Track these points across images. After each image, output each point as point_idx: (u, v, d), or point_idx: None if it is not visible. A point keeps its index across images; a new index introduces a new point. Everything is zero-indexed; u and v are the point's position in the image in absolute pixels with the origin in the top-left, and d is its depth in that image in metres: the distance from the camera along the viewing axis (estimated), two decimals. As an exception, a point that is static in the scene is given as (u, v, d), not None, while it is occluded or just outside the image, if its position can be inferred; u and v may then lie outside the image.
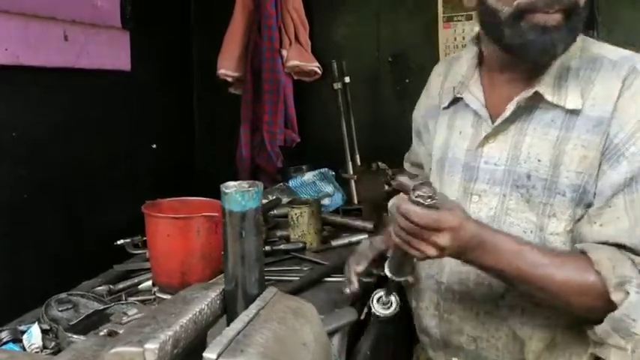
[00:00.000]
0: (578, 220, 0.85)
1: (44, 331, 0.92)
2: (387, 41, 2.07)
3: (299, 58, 1.98)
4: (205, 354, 0.48)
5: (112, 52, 1.76)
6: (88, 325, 0.93)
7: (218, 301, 0.61)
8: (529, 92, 0.87)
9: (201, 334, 0.58)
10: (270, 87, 1.99)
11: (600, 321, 0.80)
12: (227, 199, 0.59)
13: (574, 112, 0.85)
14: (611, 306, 0.78)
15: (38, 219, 1.45)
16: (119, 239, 1.51)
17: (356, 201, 1.85)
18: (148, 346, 0.49)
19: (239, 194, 0.58)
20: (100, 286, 1.18)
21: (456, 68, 1.02)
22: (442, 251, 0.80)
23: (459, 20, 2.01)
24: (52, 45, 1.51)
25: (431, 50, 2.02)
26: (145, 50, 1.87)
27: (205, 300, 0.59)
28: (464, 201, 0.94)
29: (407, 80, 2.04)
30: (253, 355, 0.49)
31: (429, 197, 0.77)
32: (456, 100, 1.00)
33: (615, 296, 0.77)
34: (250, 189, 0.59)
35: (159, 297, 1.11)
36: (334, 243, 1.50)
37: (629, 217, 0.81)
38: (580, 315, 0.84)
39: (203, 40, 2.24)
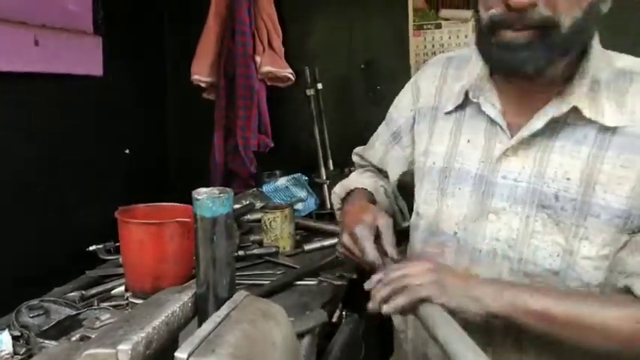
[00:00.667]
0: (622, 248, 0.79)
1: (15, 338, 0.92)
2: (359, 48, 2.12)
3: (272, 64, 2.00)
4: (177, 354, 0.50)
5: (84, 57, 1.75)
6: (60, 330, 0.93)
7: (190, 304, 0.63)
8: (566, 106, 0.80)
9: (173, 336, 0.60)
10: (244, 92, 2.00)
11: None
12: (198, 205, 0.61)
13: (609, 129, 0.79)
14: None
15: (7, 224, 1.43)
16: (91, 245, 1.51)
17: (329, 205, 1.88)
18: (121, 347, 0.50)
19: (210, 200, 0.60)
20: (72, 292, 1.17)
21: (463, 70, 0.93)
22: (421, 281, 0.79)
23: (428, 28, 2.08)
24: (23, 50, 1.50)
25: (402, 57, 2.08)
26: (118, 55, 1.87)
27: (178, 302, 0.61)
28: (480, 219, 0.87)
29: (378, 87, 2.09)
30: (224, 356, 0.51)
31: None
32: (463, 105, 0.92)
33: None
34: (221, 195, 0.61)
35: (132, 302, 1.11)
36: (307, 247, 1.52)
37: None
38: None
39: (176, 45, 2.25)
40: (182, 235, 1.18)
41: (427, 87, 1.00)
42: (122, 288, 1.19)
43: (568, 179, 0.81)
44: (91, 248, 1.43)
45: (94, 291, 1.17)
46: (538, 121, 0.82)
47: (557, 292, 0.80)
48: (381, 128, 1.13)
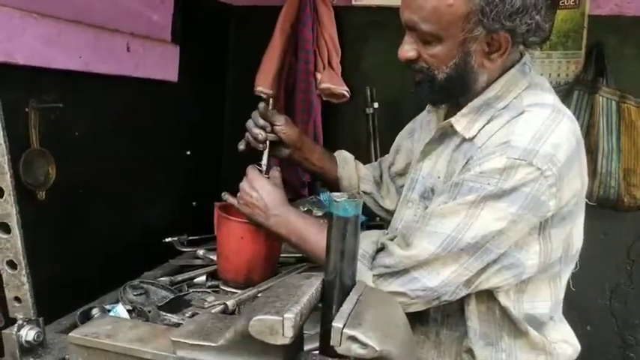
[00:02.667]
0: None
1: (127, 311, 1.05)
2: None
3: (331, 81, 2.14)
4: (334, 324, 0.62)
5: (163, 64, 1.90)
6: (173, 307, 1.06)
7: (319, 289, 0.75)
8: (446, 122, 1.06)
9: (309, 314, 0.72)
10: (303, 106, 2.14)
11: None
12: (336, 207, 0.73)
13: (465, 140, 1.03)
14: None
15: (92, 212, 1.57)
16: (163, 237, 1.64)
17: (378, 218, 1.99)
18: (287, 315, 0.63)
19: (347, 203, 0.72)
20: (161, 277, 1.30)
21: None
22: (243, 194, 1.17)
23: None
24: (117, 55, 1.65)
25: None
26: (188, 64, 2.02)
27: (313, 286, 0.73)
28: (402, 206, 1.16)
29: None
30: (367, 329, 0.63)
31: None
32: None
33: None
34: (355, 199, 0.73)
35: (222, 289, 1.23)
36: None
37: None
38: None
39: (239, 58, 2.39)
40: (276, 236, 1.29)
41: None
42: (204, 277, 1.31)
43: (438, 177, 1.08)
44: (167, 239, 1.56)
45: (180, 277, 1.30)
46: (435, 133, 1.10)
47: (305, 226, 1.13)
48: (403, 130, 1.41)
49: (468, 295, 1.00)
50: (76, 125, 1.54)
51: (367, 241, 1.02)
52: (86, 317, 0.98)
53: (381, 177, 1.42)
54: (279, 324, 0.62)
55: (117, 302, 1.08)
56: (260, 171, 1.23)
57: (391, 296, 0.76)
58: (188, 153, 2.14)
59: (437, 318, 1.06)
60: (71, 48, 1.47)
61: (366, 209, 1.52)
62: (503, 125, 0.98)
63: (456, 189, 0.96)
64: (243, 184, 1.19)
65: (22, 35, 1.32)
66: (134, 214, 1.75)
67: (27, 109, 1.38)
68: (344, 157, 1.43)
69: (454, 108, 1.07)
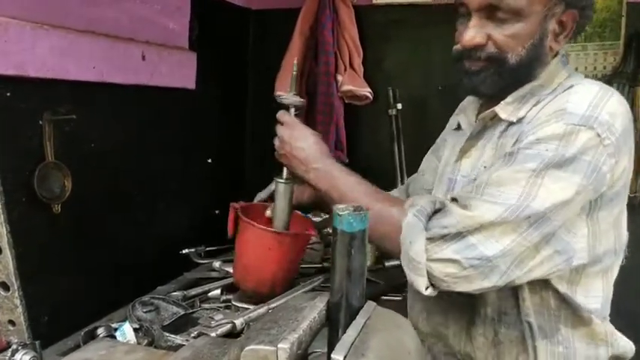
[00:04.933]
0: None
1: (134, 330, 1.01)
2: (438, 70, 2.15)
3: (352, 83, 2.07)
4: (334, 355, 0.55)
5: (180, 71, 1.87)
6: (178, 326, 1.01)
7: (324, 311, 0.69)
8: (489, 112, 1.00)
9: (313, 339, 0.66)
10: (324, 109, 2.08)
11: None
12: (340, 221, 0.66)
13: (512, 124, 0.97)
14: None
15: (108, 225, 1.55)
16: (181, 248, 1.61)
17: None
18: (281, 345, 0.56)
19: (351, 217, 0.66)
20: (174, 291, 1.26)
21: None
22: (282, 144, 1.08)
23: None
24: (132, 64, 1.63)
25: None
26: (207, 70, 1.99)
27: (316, 309, 0.67)
28: None
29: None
30: (372, 359, 0.56)
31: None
32: (459, 127, 1.14)
33: (403, 222, 0.89)
34: (360, 212, 0.66)
35: (235, 305, 1.18)
36: (387, 263, 1.56)
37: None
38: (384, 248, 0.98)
39: (259, 62, 2.35)
40: (303, 245, 1.24)
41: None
42: (218, 291, 1.27)
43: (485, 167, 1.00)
44: (183, 252, 1.52)
45: (194, 292, 1.25)
46: (476, 126, 1.04)
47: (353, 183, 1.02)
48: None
49: (521, 288, 0.94)
50: (92, 136, 1.52)
51: (426, 199, 0.93)
52: (90, 337, 0.94)
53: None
54: (272, 355, 0.56)
55: (125, 320, 1.04)
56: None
57: (403, 319, 0.68)
58: (209, 161, 2.11)
59: (494, 317, 0.99)
60: (84, 59, 1.45)
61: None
62: (552, 100, 0.94)
63: (511, 158, 0.89)
64: (282, 132, 1.10)
65: (33, 47, 1.31)
66: (152, 226, 1.72)
67: (41, 122, 1.36)
68: None
69: (490, 104, 1.02)
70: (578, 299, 0.95)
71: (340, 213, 0.66)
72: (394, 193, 1.37)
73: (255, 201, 1.29)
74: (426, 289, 0.88)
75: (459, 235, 0.86)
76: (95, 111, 1.52)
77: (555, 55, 0.99)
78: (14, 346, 0.77)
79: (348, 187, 1.01)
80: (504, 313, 0.97)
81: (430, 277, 0.87)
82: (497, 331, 0.98)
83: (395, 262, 1.57)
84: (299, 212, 1.31)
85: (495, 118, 0.99)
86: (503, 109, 0.98)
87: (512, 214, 0.85)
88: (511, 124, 0.97)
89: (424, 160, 1.32)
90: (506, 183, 0.87)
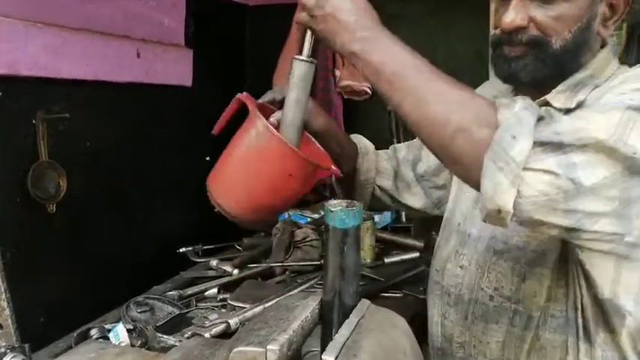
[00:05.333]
0: None
1: (128, 330, 0.99)
2: (440, 63, 2.11)
3: (351, 78, 2.05)
4: (324, 356, 0.53)
5: (176, 69, 1.85)
6: (172, 326, 0.99)
7: (317, 310, 0.67)
8: (540, 101, 0.89)
9: (305, 339, 0.64)
10: (322, 104, 2.05)
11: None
12: (332, 217, 0.64)
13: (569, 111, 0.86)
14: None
15: (104, 225, 1.53)
16: (178, 247, 1.59)
17: (404, 219, 1.89)
18: (270, 347, 0.54)
19: (344, 213, 0.64)
20: (170, 291, 1.24)
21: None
22: (317, 3, 0.79)
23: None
24: (126, 62, 1.61)
25: (482, 71, 2.06)
26: (203, 67, 1.97)
27: (308, 308, 0.65)
28: (474, 209, 0.97)
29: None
30: (365, 360, 0.54)
31: None
32: None
33: (501, 114, 0.68)
34: (353, 208, 0.64)
35: (230, 304, 1.16)
36: (387, 260, 1.54)
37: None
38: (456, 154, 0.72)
39: (256, 58, 2.33)
40: (306, 179, 0.92)
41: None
42: (215, 290, 1.25)
43: None
44: (181, 250, 1.50)
45: (190, 291, 1.23)
46: None
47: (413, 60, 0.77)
48: None
49: (571, 285, 0.85)
50: (87, 135, 1.50)
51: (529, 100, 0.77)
52: (83, 338, 0.93)
53: (397, 168, 1.22)
54: (261, 356, 0.54)
55: (119, 321, 1.02)
56: None
57: (398, 318, 0.66)
58: (207, 159, 2.09)
59: (539, 317, 0.88)
60: (78, 57, 1.43)
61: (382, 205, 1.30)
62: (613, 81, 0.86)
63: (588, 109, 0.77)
64: None
65: (25, 46, 1.29)
66: (149, 225, 1.70)
67: (34, 121, 1.35)
68: (365, 145, 1.18)
69: (526, 94, 0.88)
70: (622, 300, 0.84)
71: (332, 209, 0.64)
72: (387, 160, 1.20)
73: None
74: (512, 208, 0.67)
75: (566, 148, 0.68)
76: (90, 109, 1.50)
77: (603, 43, 0.92)
78: (2, 350, 0.75)
79: (412, 65, 0.75)
80: (552, 316, 0.88)
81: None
82: (539, 335, 0.89)
83: (395, 259, 1.55)
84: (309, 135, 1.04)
85: (547, 106, 0.87)
86: (556, 98, 0.88)
87: (616, 143, 0.69)
88: (568, 111, 0.85)
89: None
90: (599, 116, 0.71)
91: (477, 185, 0.69)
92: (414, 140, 1.22)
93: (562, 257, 0.86)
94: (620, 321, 0.86)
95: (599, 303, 0.86)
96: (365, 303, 0.67)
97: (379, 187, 1.19)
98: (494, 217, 0.68)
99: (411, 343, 0.62)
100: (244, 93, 1.02)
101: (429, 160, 1.17)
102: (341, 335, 0.57)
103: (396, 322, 0.65)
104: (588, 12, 0.85)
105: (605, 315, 0.87)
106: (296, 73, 0.92)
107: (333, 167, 0.97)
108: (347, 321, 0.61)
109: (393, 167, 1.21)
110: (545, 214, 0.68)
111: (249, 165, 0.95)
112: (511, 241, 0.90)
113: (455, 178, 1.08)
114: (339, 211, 0.64)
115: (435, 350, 1.03)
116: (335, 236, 0.64)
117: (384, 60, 0.76)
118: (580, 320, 0.87)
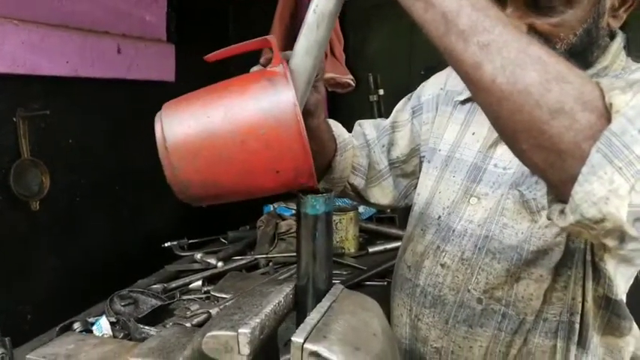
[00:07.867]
0: None
1: (111, 323, 1.00)
2: (420, 54, 2.14)
3: (334, 70, 2.05)
4: (293, 338, 0.54)
5: (159, 64, 1.85)
6: (154, 318, 1.00)
7: (291, 296, 0.68)
8: None
9: (279, 324, 0.65)
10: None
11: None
12: (303, 204, 0.65)
13: None
14: (603, 120, 0.51)
15: (89, 221, 1.54)
16: (163, 242, 1.60)
17: (389, 210, 1.91)
18: (241, 330, 0.56)
19: (314, 199, 0.65)
20: (154, 284, 1.25)
21: None
22: None
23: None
24: (107, 58, 1.60)
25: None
26: (187, 62, 1.96)
27: (281, 294, 0.66)
28: (461, 202, 0.91)
29: (438, 93, 2.10)
30: (334, 342, 0.55)
31: None
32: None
33: (617, 98, 0.51)
34: (323, 195, 0.65)
35: (214, 295, 1.17)
36: (370, 249, 1.56)
37: None
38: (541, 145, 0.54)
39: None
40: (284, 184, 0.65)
41: (447, 74, 1.05)
42: (199, 282, 1.26)
43: None
44: (166, 245, 1.51)
45: (174, 284, 1.24)
46: None
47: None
48: (398, 106, 1.13)
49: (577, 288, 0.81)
50: (69, 132, 1.50)
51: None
52: (66, 332, 0.93)
53: (369, 156, 1.09)
54: (233, 340, 0.56)
55: (103, 314, 1.03)
56: None
57: (371, 301, 0.67)
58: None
59: (532, 321, 0.84)
60: (57, 53, 1.43)
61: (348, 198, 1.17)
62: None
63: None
64: None
65: (2, 43, 1.28)
66: (134, 220, 1.71)
67: (15, 119, 1.35)
68: (344, 140, 1.01)
69: None
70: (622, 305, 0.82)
71: (303, 196, 0.65)
72: (359, 153, 1.06)
73: None
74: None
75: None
76: (71, 106, 1.50)
77: (612, 34, 0.86)
78: (-18, 344, 0.76)
79: (496, 16, 0.57)
80: (544, 320, 0.84)
81: None
82: (528, 339, 0.85)
83: (378, 248, 1.57)
84: None
85: None
86: None
87: None
88: None
89: (398, 113, 1.10)
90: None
91: (559, 178, 0.54)
92: (379, 120, 1.14)
93: (564, 259, 0.81)
94: (629, 324, 0.84)
95: (607, 306, 0.82)
96: (338, 287, 0.68)
97: (350, 184, 1.08)
98: (585, 224, 0.53)
99: (382, 326, 0.63)
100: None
101: (401, 146, 1.09)
102: (311, 318, 0.59)
103: (369, 305, 0.66)
104: (594, 10, 0.79)
105: (612, 319, 0.83)
106: (320, 6, 0.69)
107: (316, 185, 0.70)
108: (319, 304, 0.62)
109: (367, 161, 1.09)
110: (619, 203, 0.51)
111: (243, 134, 0.65)
112: (507, 240, 0.85)
113: (430, 167, 1.00)
114: (310, 198, 0.65)
115: (400, 351, 0.96)
116: (307, 223, 0.65)
117: (456, 13, 0.58)
118: (577, 325, 0.82)
